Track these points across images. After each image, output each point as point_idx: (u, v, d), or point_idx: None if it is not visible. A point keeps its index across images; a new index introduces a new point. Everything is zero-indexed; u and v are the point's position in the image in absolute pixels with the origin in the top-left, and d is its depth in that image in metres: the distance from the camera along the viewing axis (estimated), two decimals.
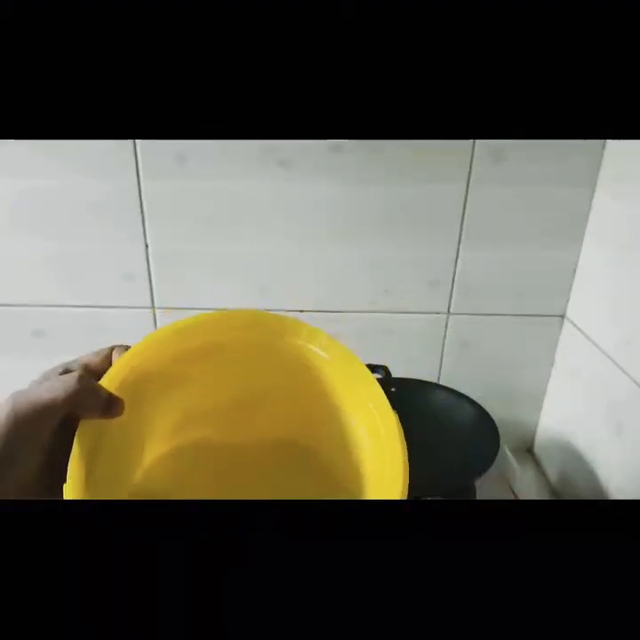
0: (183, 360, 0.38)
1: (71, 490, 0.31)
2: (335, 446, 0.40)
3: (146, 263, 0.75)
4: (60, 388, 0.31)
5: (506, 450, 0.83)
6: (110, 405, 0.33)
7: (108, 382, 0.34)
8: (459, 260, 0.76)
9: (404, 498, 0.34)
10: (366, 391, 0.38)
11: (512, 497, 0.77)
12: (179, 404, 0.40)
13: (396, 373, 0.78)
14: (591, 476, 0.72)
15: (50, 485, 0.32)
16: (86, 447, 0.32)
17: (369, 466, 0.38)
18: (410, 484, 0.35)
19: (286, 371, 0.40)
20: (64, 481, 0.31)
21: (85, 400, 0.32)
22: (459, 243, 0.75)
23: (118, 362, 0.35)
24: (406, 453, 0.35)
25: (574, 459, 0.76)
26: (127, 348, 0.36)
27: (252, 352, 0.40)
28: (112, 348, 0.36)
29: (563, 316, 0.80)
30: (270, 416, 0.43)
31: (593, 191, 0.72)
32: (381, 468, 0.36)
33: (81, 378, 0.32)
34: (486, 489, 0.68)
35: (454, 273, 0.77)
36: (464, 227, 0.74)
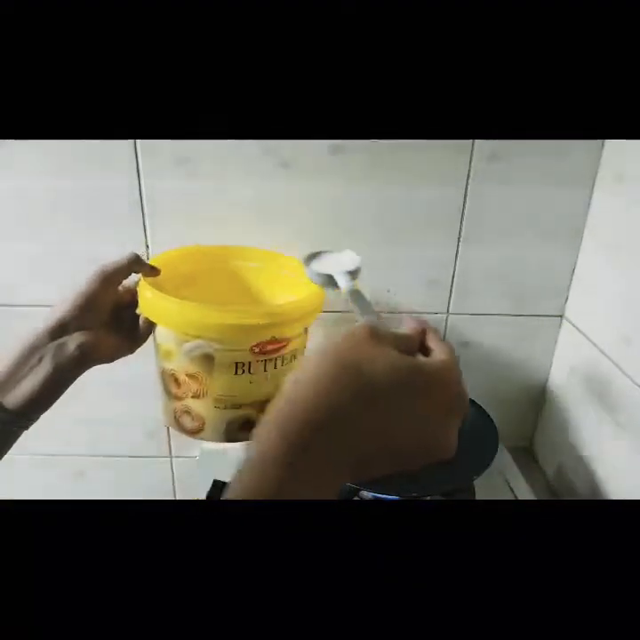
0: (175, 284, 0.57)
1: (146, 295, 0.54)
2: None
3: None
4: (126, 256, 0.55)
5: (504, 449, 0.83)
6: (152, 268, 0.57)
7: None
8: (458, 260, 0.76)
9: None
10: (287, 268, 0.63)
11: (511, 496, 0.77)
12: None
13: None
14: (590, 475, 0.72)
15: (115, 322, 0.55)
16: (147, 283, 0.55)
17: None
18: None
19: (233, 281, 0.64)
20: (130, 322, 0.56)
21: (139, 262, 0.55)
22: (458, 243, 0.75)
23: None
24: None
25: (573, 458, 0.76)
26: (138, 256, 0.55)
27: (212, 275, 0.63)
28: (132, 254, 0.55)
29: (561, 316, 0.80)
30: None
31: (592, 191, 0.72)
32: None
33: (136, 253, 0.55)
34: (485, 488, 0.68)
35: (454, 273, 0.77)
36: (463, 227, 0.74)
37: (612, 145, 0.69)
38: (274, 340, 0.52)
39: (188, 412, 0.54)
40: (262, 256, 0.65)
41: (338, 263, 0.54)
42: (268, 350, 0.51)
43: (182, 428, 0.55)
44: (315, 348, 0.34)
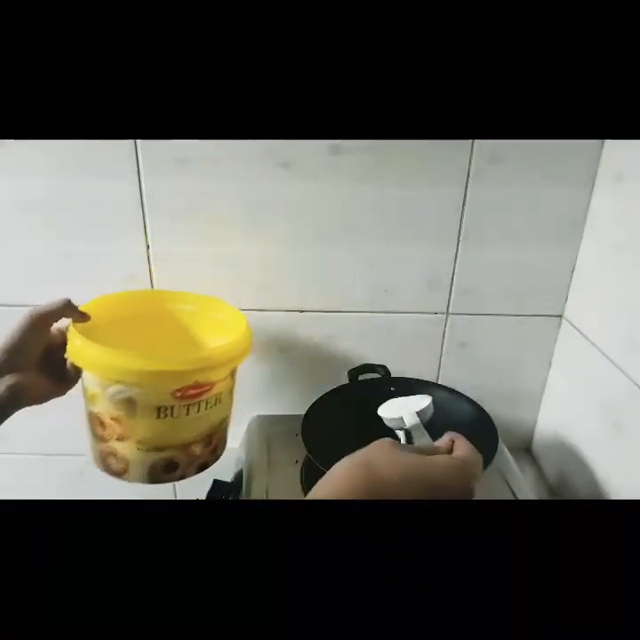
0: (109, 326, 0.59)
1: (73, 340, 0.54)
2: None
3: (147, 264, 0.75)
4: (57, 301, 0.55)
5: (504, 449, 0.83)
6: (83, 314, 0.57)
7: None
8: (457, 261, 0.77)
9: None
10: (220, 311, 0.66)
11: (510, 496, 0.77)
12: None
13: (395, 373, 0.78)
14: (589, 475, 0.72)
15: (45, 365, 0.55)
16: (75, 329, 0.55)
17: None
18: None
19: (175, 330, 0.64)
20: (60, 366, 0.56)
21: (71, 308, 0.56)
22: (457, 243, 0.75)
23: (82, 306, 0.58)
24: (248, 326, 0.61)
25: (572, 458, 0.76)
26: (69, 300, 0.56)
27: (150, 322, 0.64)
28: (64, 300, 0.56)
29: (561, 316, 0.80)
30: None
31: (591, 191, 0.72)
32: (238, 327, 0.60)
33: (67, 298, 0.56)
34: (485, 488, 0.68)
35: (453, 273, 0.77)
36: (463, 227, 0.74)
37: (611, 145, 0.69)
38: (197, 385, 0.52)
39: (113, 453, 0.55)
40: (197, 300, 0.67)
41: (408, 405, 0.56)
42: (190, 394, 0.52)
43: (108, 470, 0.56)
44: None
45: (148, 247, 0.75)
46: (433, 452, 0.38)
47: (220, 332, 0.64)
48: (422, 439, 0.48)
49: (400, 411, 0.54)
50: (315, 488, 0.35)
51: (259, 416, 0.83)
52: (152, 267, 0.76)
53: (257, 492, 0.63)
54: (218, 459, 0.60)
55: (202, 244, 0.75)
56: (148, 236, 0.74)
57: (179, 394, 0.51)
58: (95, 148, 0.69)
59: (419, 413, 0.53)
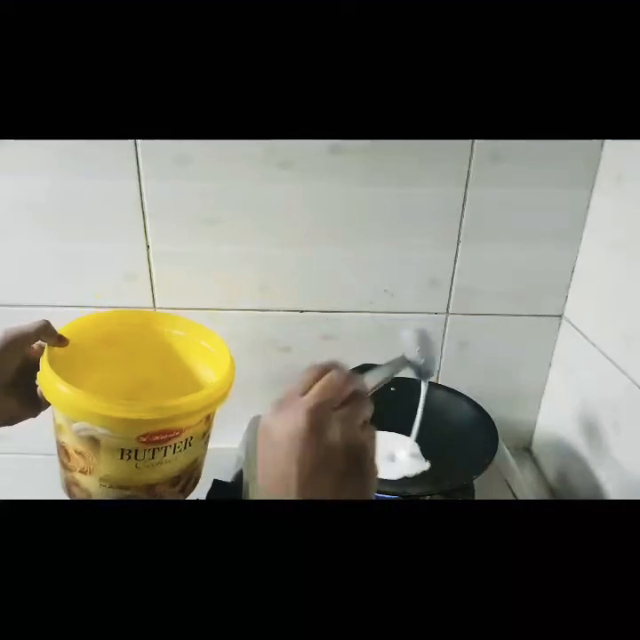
0: (93, 346, 0.58)
1: (43, 371, 0.50)
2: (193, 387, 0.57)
3: (147, 263, 0.75)
4: (34, 323, 0.52)
5: (504, 449, 0.83)
6: (60, 338, 0.54)
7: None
8: (457, 261, 0.77)
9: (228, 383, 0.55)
10: (206, 341, 0.61)
11: (511, 496, 0.77)
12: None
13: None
14: (589, 475, 0.72)
15: (17, 387, 0.52)
16: (49, 358, 0.52)
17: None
18: None
19: (160, 353, 0.62)
20: (33, 388, 0.53)
21: (48, 332, 0.53)
22: (457, 243, 0.75)
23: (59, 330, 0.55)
24: (232, 362, 0.57)
25: (572, 458, 0.76)
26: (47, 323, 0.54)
27: (136, 343, 0.61)
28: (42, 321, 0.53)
29: (561, 316, 0.80)
30: (159, 389, 0.61)
31: (591, 192, 0.72)
32: (221, 367, 0.57)
33: (45, 320, 0.53)
34: (485, 488, 0.68)
35: (453, 273, 0.77)
36: (463, 227, 0.74)
37: (611, 145, 0.69)
38: (163, 431, 0.50)
39: (76, 484, 0.52)
40: (185, 325, 0.63)
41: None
42: (156, 440, 0.50)
43: (72, 497, 0.54)
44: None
45: (148, 247, 0.75)
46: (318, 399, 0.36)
47: (205, 362, 0.62)
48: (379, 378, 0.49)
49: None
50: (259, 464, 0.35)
51: (259, 416, 0.83)
52: (152, 267, 0.76)
53: (257, 491, 0.63)
54: (187, 496, 0.57)
55: (202, 244, 0.75)
56: (148, 236, 0.74)
57: (144, 439, 0.49)
58: (95, 148, 0.69)
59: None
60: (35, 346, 0.54)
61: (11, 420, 0.54)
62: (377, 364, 0.79)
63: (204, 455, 0.59)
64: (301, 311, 0.79)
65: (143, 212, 0.72)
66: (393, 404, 0.76)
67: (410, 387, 0.77)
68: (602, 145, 0.70)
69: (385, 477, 0.64)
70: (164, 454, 0.51)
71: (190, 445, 0.54)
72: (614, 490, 0.68)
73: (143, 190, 0.71)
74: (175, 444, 0.52)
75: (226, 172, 0.71)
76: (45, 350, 0.53)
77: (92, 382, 0.54)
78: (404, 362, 0.53)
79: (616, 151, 0.68)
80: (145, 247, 0.74)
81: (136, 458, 0.50)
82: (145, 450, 0.50)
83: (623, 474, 0.66)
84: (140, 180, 0.70)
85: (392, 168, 0.71)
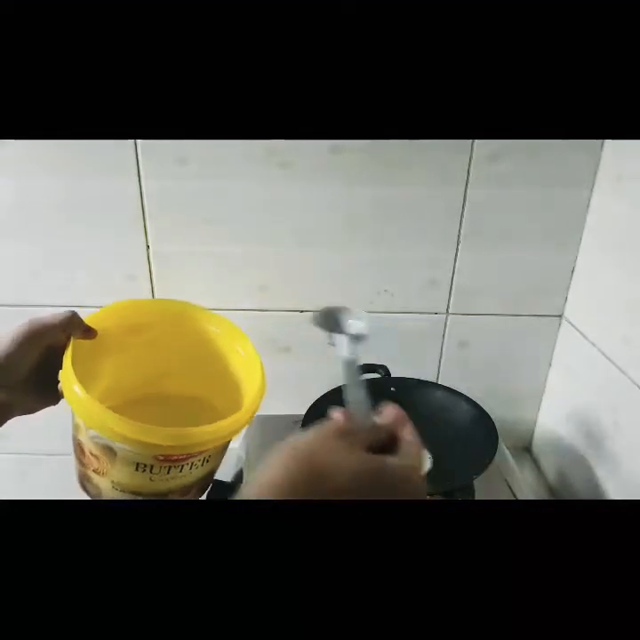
0: (121, 332, 0.55)
1: (66, 372, 0.47)
2: (225, 391, 0.57)
3: (147, 263, 0.75)
4: (60, 315, 0.49)
5: (504, 449, 0.83)
6: (88, 330, 0.51)
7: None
8: (457, 261, 0.77)
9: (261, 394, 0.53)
10: (239, 345, 0.58)
11: (510, 496, 0.77)
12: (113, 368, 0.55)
13: (395, 373, 0.78)
14: (589, 475, 0.72)
15: (39, 377, 0.50)
16: (73, 353, 0.49)
17: (245, 393, 0.55)
18: None
19: (189, 345, 0.58)
20: (54, 376, 0.49)
21: (74, 324, 0.50)
22: (457, 243, 0.75)
23: (88, 317, 0.53)
24: (262, 368, 0.55)
25: (572, 458, 0.76)
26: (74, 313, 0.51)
27: (167, 331, 0.58)
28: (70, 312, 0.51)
29: (561, 316, 0.80)
30: (178, 379, 0.60)
31: (591, 192, 0.72)
32: (250, 384, 0.54)
33: (72, 312, 0.50)
34: (485, 488, 0.68)
35: (453, 273, 0.77)
36: (463, 227, 0.74)
37: (611, 145, 0.69)
38: (182, 454, 0.48)
39: (89, 480, 0.52)
40: (221, 323, 0.60)
41: (344, 323, 0.49)
42: (173, 459, 0.48)
43: (86, 492, 0.53)
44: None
45: (148, 247, 0.75)
46: (378, 436, 0.36)
47: (239, 367, 0.58)
48: (354, 386, 0.41)
49: (335, 326, 0.49)
50: (256, 474, 0.32)
51: (259, 416, 0.83)
52: (152, 267, 0.76)
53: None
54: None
55: (202, 244, 0.75)
56: (148, 236, 0.74)
57: (161, 458, 0.47)
58: (95, 148, 0.69)
59: (354, 338, 0.46)
60: (61, 334, 0.50)
61: (30, 411, 0.52)
62: (376, 364, 0.79)
63: (217, 468, 0.57)
64: (301, 311, 0.79)
65: (143, 212, 0.72)
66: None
67: (410, 387, 0.78)
68: (602, 145, 0.70)
69: None
70: (180, 470, 0.50)
71: (208, 461, 0.52)
72: (614, 490, 0.68)
73: (143, 190, 0.71)
74: (193, 462, 0.50)
75: (226, 172, 0.71)
76: (70, 345, 0.49)
77: (112, 368, 0.54)
78: (351, 363, 0.44)
79: (616, 151, 0.68)
80: (145, 247, 0.74)
81: (151, 471, 0.48)
82: (161, 466, 0.48)
83: (623, 474, 0.66)
84: (140, 180, 0.71)
85: (392, 168, 0.71)
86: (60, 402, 0.53)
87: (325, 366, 0.82)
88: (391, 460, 0.34)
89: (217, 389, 0.58)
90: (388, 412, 0.38)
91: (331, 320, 0.50)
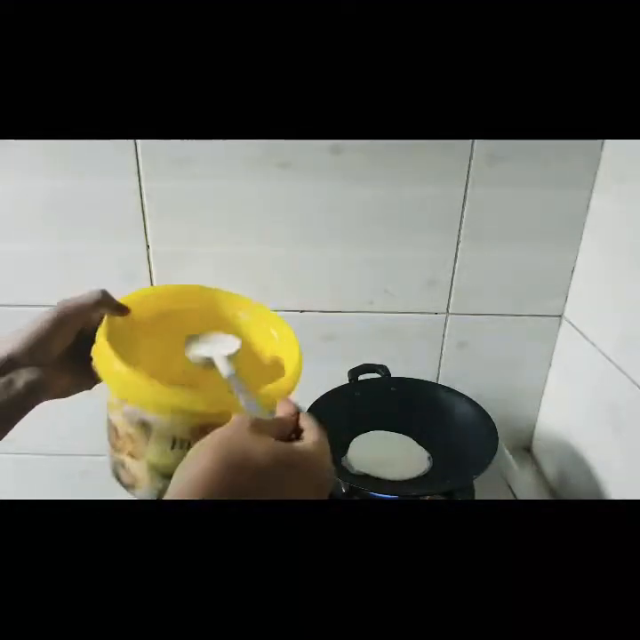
0: (153, 318, 0.54)
1: (99, 346, 0.47)
2: (260, 376, 0.53)
3: (147, 263, 0.75)
4: (91, 294, 0.49)
5: (504, 449, 0.83)
6: (120, 307, 0.51)
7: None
8: (457, 261, 0.77)
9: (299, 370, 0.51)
10: (275, 329, 0.57)
11: (510, 496, 0.77)
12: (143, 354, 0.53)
13: (395, 373, 0.78)
14: (589, 475, 0.72)
15: (73, 360, 0.49)
16: (106, 330, 0.48)
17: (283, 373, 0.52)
18: None
19: (222, 330, 0.56)
20: (88, 360, 0.48)
21: (106, 301, 0.50)
22: (457, 243, 0.75)
23: (122, 298, 0.52)
24: (300, 350, 0.53)
25: (572, 458, 0.76)
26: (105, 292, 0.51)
27: (199, 317, 0.57)
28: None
29: (560, 316, 0.80)
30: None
31: (591, 192, 0.72)
32: (288, 362, 0.53)
33: (102, 290, 0.50)
34: (485, 488, 0.68)
35: (453, 273, 0.77)
36: (463, 227, 0.74)
37: (611, 145, 0.69)
38: (220, 425, 0.46)
39: (123, 466, 0.50)
40: (251, 308, 0.59)
41: (218, 346, 0.52)
42: (210, 432, 0.45)
43: (119, 480, 0.52)
44: (200, 442, 0.38)
45: (148, 247, 0.75)
46: (284, 427, 0.40)
47: (275, 350, 0.58)
48: (245, 396, 0.45)
49: (210, 350, 0.51)
50: (178, 470, 0.36)
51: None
52: (152, 267, 0.76)
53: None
54: None
55: (202, 244, 0.75)
56: (148, 236, 0.74)
57: (199, 430, 0.46)
58: (95, 147, 0.69)
59: (230, 358, 0.49)
60: (93, 314, 0.50)
61: (65, 394, 0.51)
62: (376, 364, 0.79)
63: None
64: (301, 311, 0.79)
65: (143, 212, 0.72)
66: (393, 403, 0.77)
67: (410, 387, 0.78)
68: (602, 145, 0.70)
69: (385, 477, 0.64)
70: None
71: None
72: (614, 490, 0.68)
73: (143, 190, 0.71)
74: None
75: (226, 172, 0.71)
76: (104, 321, 0.49)
77: (144, 355, 0.53)
78: (234, 377, 0.47)
79: (616, 151, 0.68)
80: (145, 247, 0.74)
81: (188, 448, 0.45)
82: (197, 442, 0.48)
83: (623, 474, 0.66)
84: (140, 180, 0.71)
85: (392, 168, 0.71)
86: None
87: (325, 366, 0.82)
88: (298, 444, 0.38)
89: (252, 374, 0.56)
90: (283, 407, 0.43)
91: (202, 347, 0.53)
